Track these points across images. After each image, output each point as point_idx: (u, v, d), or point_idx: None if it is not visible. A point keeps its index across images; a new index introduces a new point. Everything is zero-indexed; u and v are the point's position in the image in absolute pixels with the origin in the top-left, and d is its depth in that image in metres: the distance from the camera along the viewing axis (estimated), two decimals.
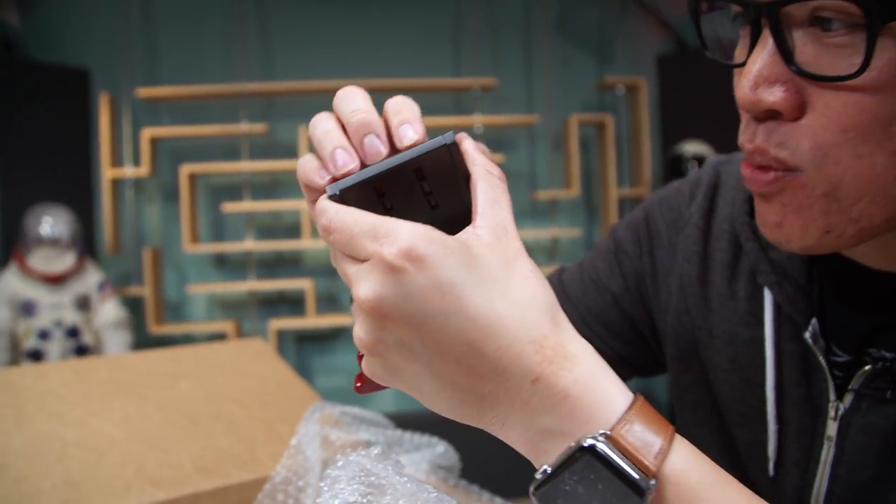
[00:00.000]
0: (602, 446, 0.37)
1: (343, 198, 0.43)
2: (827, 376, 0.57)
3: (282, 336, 4.02)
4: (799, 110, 0.45)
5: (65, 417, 0.81)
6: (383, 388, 0.46)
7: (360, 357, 0.45)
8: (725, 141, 3.86)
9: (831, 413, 0.56)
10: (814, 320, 0.57)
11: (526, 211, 4.22)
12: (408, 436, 0.80)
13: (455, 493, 0.78)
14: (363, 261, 0.40)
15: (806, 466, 0.59)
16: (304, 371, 4.08)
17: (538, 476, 0.39)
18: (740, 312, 0.64)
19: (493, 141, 4.14)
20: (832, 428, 0.56)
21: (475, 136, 3.95)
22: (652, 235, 0.74)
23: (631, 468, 0.37)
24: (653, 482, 0.37)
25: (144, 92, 3.78)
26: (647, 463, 0.38)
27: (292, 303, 4.05)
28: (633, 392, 0.41)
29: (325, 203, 0.43)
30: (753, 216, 0.62)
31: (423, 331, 0.39)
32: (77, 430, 0.81)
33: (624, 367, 0.77)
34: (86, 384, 0.88)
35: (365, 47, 4.13)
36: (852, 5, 0.40)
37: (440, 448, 0.81)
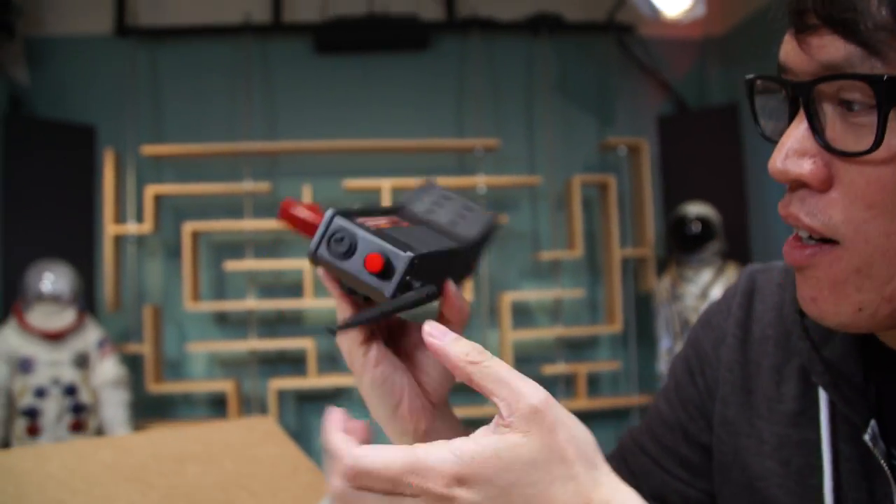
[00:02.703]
0: None
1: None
2: (890, 480, 0.55)
3: (282, 396, 3.97)
4: (826, 183, 0.48)
5: None
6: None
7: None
8: (726, 202, 3.88)
9: None
10: (872, 422, 0.55)
11: (528, 271, 4.21)
12: None
13: None
14: (410, 495, 0.42)
15: None
16: (304, 432, 4.02)
17: None
18: (790, 414, 0.63)
19: (496, 201, 4.15)
20: None
21: (478, 196, 3.97)
22: (700, 357, 0.74)
23: None
24: None
25: (149, 149, 3.80)
26: None
27: (293, 362, 4.00)
28: None
29: (346, 451, 0.43)
30: (804, 315, 0.62)
31: None
32: None
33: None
34: (88, 468, 0.85)
35: (368, 107, 4.17)
36: (866, 86, 0.44)
37: None
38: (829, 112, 0.48)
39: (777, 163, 0.49)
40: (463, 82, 4.29)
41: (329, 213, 0.53)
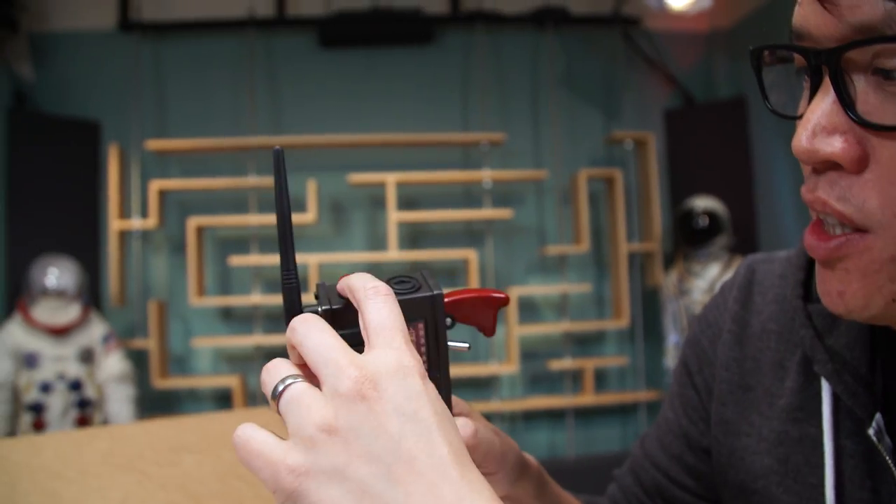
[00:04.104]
0: None
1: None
2: None
3: None
4: (860, 163, 0.42)
5: (60, 497, 0.76)
6: None
7: None
8: (734, 195, 3.85)
9: None
10: (878, 415, 0.52)
11: (535, 266, 4.18)
12: None
13: None
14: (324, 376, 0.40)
15: None
16: None
17: None
18: (789, 409, 0.59)
19: (502, 196, 4.13)
20: None
21: (483, 191, 3.94)
22: (699, 356, 0.70)
23: None
24: None
25: (153, 144, 3.79)
26: None
27: None
28: None
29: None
30: (808, 301, 0.59)
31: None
32: None
33: None
34: (83, 458, 0.84)
35: (373, 102, 4.15)
36: None
37: None
38: (860, 82, 0.42)
39: (803, 141, 0.43)
40: (468, 76, 4.26)
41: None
